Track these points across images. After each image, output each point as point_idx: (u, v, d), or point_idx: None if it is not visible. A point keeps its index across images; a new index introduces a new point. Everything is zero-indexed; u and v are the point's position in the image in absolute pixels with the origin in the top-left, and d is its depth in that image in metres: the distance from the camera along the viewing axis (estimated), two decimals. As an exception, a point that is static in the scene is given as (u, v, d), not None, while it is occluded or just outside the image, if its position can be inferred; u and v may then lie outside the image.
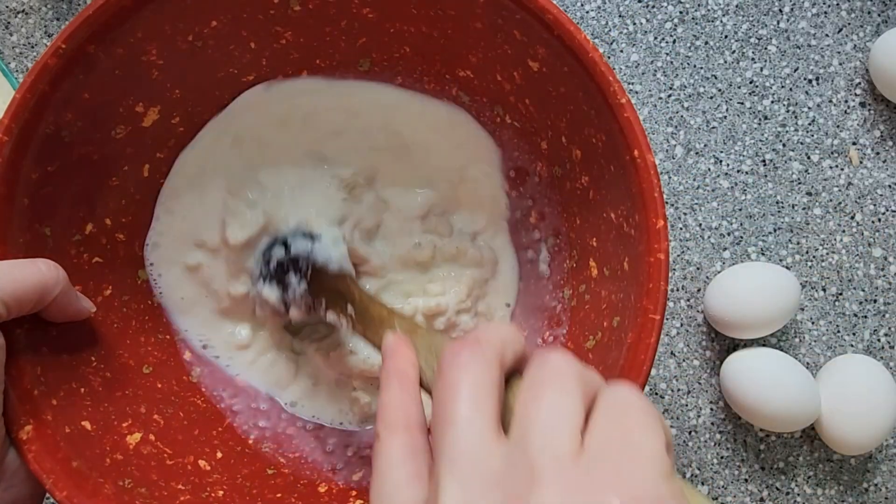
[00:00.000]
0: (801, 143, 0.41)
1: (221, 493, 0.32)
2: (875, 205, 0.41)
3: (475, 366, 0.20)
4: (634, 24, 0.42)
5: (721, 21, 0.42)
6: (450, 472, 0.18)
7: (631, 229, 0.28)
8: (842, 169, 0.41)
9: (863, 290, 0.41)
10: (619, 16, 0.42)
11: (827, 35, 0.42)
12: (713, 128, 0.42)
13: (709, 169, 0.41)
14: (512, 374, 0.21)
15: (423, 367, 0.24)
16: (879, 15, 0.42)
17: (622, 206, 0.29)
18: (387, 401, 0.23)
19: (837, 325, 0.40)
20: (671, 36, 0.42)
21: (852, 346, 0.40)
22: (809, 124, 0.42)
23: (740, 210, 0.41)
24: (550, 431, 0.18)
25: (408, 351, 0.24)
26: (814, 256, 0.41)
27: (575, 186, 0.33)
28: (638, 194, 0.27)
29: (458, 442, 0.19)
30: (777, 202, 0.41)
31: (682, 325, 0.41)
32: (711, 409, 0.40)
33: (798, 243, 0.41)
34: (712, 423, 0.40)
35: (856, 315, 0.41)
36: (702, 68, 0.42)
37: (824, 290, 0.41)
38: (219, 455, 0.33)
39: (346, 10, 0.32)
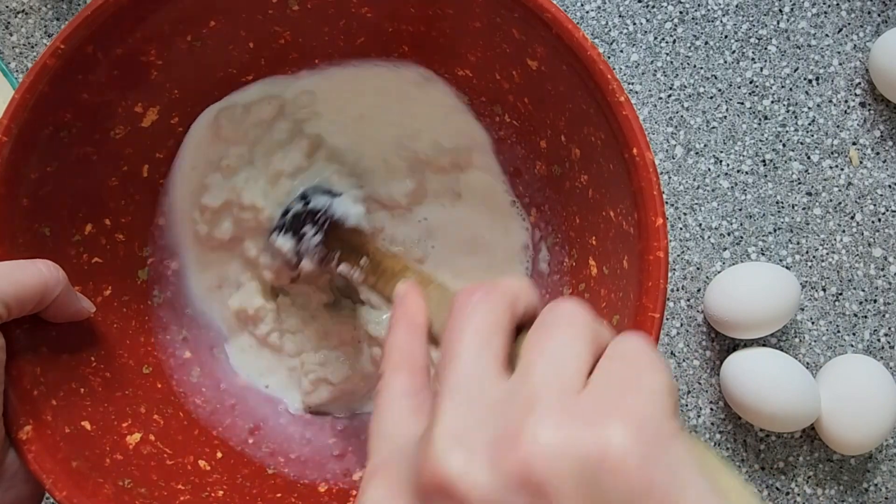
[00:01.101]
0: (801, 143, 0.41)
1: (221, 493, 0.32)
2: (875, 205, 0.41)
3: (486, 306, 0.20)
4: (634, 24, 0.42)
5: (721, 21, 0.42)
6: (450, 398, 0.18)
7: (630, 227, 0.28)
8: (842, 169, 0.41)
9: (863, 290, 0.41)
10: (619, 16, 0.42)
11: (827, 35, 0.42)
12: (713, 128, 0.42)
13: (709, 169, 0.41)
14: (523, 327, 0.21)
15: (433, 318, 0.24)
16: (879, 15, 0.42)
17: (621, 204, 0.29)
18: (393, 342, 0.23)
19: (837, 325, 0.40)
20: (671, 36, 0.42)
21: (852, 346, 0.40)
22: (809, 124, 0.42)
23: (740, 210, 0.41)
24: (555, 366, 0.18)
25: (418, 299, 0.25)
26: (814, 256, 0.41)
27: (574, 185, 0.33)
28: (637, 192, 0.27)
29: (460, 372, 0.19)
30: (777, 202, 0.41)
31: (682, 325, 0.41)
32: (711, 409, 0.40)
33: (798, 243, 0.41)
34: (712, 423, 0.40)
35: (856, 315, 0.40)
36: (702, 68, 0.42)
37: (824, 290, 0.41)
38: (219, 455, 0.33)
39: (344, 9, 0.32)
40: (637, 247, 0.28)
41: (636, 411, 0.16)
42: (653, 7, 0.42)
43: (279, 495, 0.33)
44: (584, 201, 0.33)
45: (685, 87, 0.42)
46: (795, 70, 0.42)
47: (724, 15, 0.42)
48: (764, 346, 0.40)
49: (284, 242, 0.33)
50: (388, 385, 0.22)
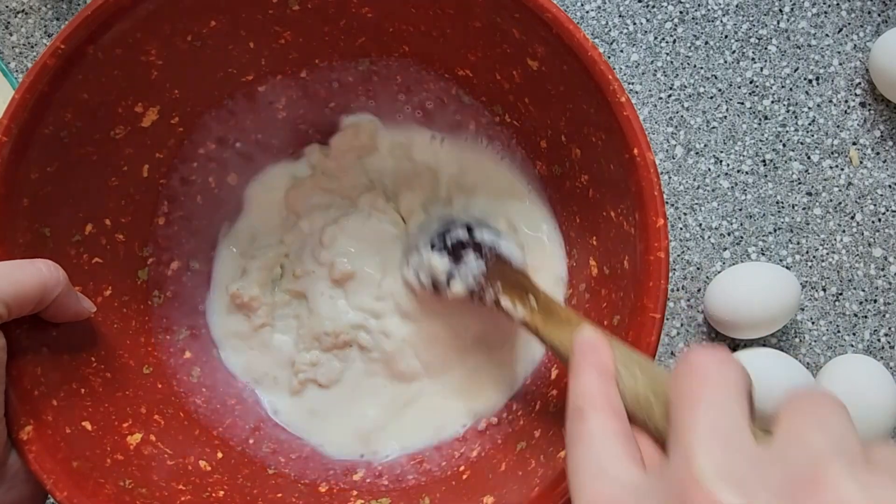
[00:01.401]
0: (802, 143, 0.41)
1: (222, 493, 0.32)
2: (875, 205, 0.41)
3: (734, 370, 0.19)
4: (634, 24, 0.42)
5: (721, 21, 0.42)
6: (705, 440, 0.17)
7: (631, 228, 0.28)
8: (842, 169, 0.41)
9: (863, 291, 0.41)
10: (619, 16, 0.42)
11: (827, 35, 0.42)
12: (713, 128, 0.42)
13: (709, 169, 0.41)
14: None
15: (622, 373, 0.23)
16: (879, 15, 0.42)
17: (622, 204, 0.29)
18: (587, 384, 0.22)
19: (837, 326, 0.40)
20: (671, 36, 0.42)
21: (852, 346, 0.40)
22: (809, 124, 0.42)
23: (740, 210, 0.41)
24: (836, 437, 0.17)
25: (607, 348, 0.24)
26: (814, 256, 0.41)
27: (574, 185, 0.33)
28: (637, 192, 0.27)
29: (712, 419, 0.18)
30: (777, 202, 0.41)
31: (682, 325, 0.41)
32: (711, 409, 0.40)
33: (798, 243, 0.41)
34: (712, 423, 0.40)
35: (856, 315, 0.41)
36: (702, 68, 0.42)
37: (824, 290, 0.41)
38: (219, 455, 0.33)
39: (345, 9, 0.32)
40: (638, 247, 0.28)
41: None
42: (653, 7, 0.42)
43: (280, 495, 0.33)
44: (584, 201, 0.33)
45: (685, 87, 0.42)
46: (795, 70, 0.42)
47: (724, 15, 0.42)
48: (764, 346, 0.40)
49: (440, 262, 0.33)
50: (596, 426, 0.20)
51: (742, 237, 0.41)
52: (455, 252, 0.34)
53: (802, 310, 0.41)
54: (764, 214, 0.41)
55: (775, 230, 0.41)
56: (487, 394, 0.36)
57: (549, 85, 0.31)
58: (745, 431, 0.18)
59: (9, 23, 0.42)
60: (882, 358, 0.40)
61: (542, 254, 0.36)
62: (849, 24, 0.42)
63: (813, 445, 0.17)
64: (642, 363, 0.23)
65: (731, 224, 0.41)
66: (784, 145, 0.41)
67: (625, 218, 0.29)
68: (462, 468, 0.34)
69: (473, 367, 0.36)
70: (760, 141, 0.41)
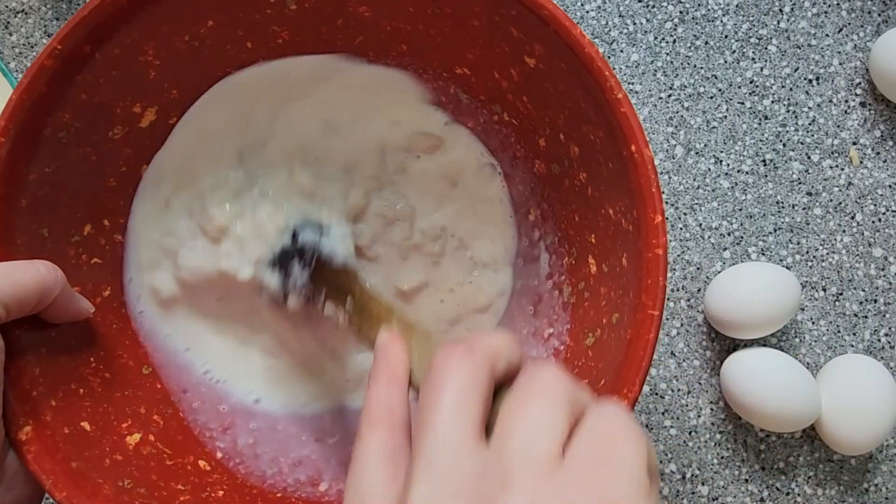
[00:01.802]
0: (802, 143, 0.41)
1: (221, 493, 0.32)
2: (875, 205, 0.41)
3: (464, 369, 0.20)
4: (634, 23, 0.42)
5: (721, 21, 0.42)
6: (422, 471, 0.18)
7: (629, 225, 0.28)
8: (842, 169, 0.41)
9: (863, 290, 0.41)
10: (619, 16, 0.42)
11: (827, 35, 0.42)
12: (713, 128, 0.42)
13: (709, 169, 0.41)
14: (502, 385, 0.21)
15: (415, 368, 0.24)
16: (879, 15, 0.42)
17: (620, 202, 0.29)
18: (373, 398, 0.23)
19: (837, 325, 0.40)
20: (671, 36, 0.42)
21: (852, 346, 0.40)
22: (810, 124, 0.42)
23: (740, 210, 0.41)
24: (530, 439, 0.18)
25: (400, 350, 0.24)
26: (814, 256, 0.41)
27: (573, 183, 0.33)
28: (636, 190, 0.27)
29: (434, 442, 0.18)
30: (777, 202, 0.41)
31: (682, 325, 0.41)
32: (711, 409, 0.40)
33: (798, 243, 0.41)
34: (712, 423, 0.40)
35: (856, 315, 0.40)
36: (702, 68, 0.42)
37: (824, 290, 0.41)
38: (219, 455, 0.34)
39: (342, 8, 0.32)
40: (636, 244, 0.28)
41: (609, 493, 0.17)
42: (653, 7, 0.42)
43: (279, 495, 0.33)
44: (583, 199, 0.33)
45: (685, 86, 0.42)
46: (796, 70, 0.42)
47: (724, 15, 0.42)
48: (764, 346, 0.40)
49: (272, 279, 0.32)
50: (365, 444, 0.21)
51: (742, 237, 0.41)
52: (283, 263, 0.33)
53: (802, 310, 0.40)
54: (764, 214, 0.41)
55: (775, 230, 0.41)
56: None
57: (548, 83, 0.31)
58: (467, 443, 0.18)
59: (9, 23, 0.42)
60: (882, 358, 0.40)
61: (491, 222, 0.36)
62: (849, 24, 0.42)
63: (507, 450, 0.18)
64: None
65: (731, 224, 0.41)
66: (784, 145, 0.41)
67: (623, 215, 0.29)
68: None
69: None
70: (760, 141, 0.41)
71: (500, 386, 0.21)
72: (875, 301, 0.40)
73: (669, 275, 0.40)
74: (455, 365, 0.20)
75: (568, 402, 0.19)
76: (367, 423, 0.22)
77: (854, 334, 0.40)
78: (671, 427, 0.40)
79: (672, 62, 0.42)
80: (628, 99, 0.27)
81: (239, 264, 0.34)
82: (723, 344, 0.40)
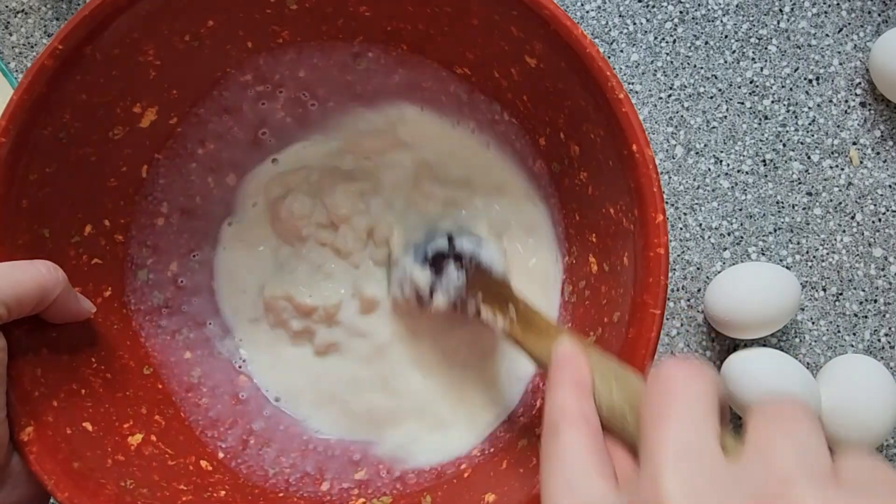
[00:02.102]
0: (802, 143, 0.41)
1: (223, 492, 0.32)
2: (875, 205, 0.41)
3: (700, 383, 0.19)
4: (634, 23, 0.42)
5: (721, 21, 0.42)
6: (673, 459, 0.17)
7: (630, 224, 0.28)
8: (842, 169, 0.41)
9: (863, 291, 0.41)
10: (619, 16, 0.42)
11: (827, 35, 0.42)
12: (713, 128, 0.42)
13: (709, 169, 0.41)
14: None
15: (598, 385, 0.23)
16: (880, 15, 0.42)
17: (621, 201, 0.29)
18: (562, 398, 0.22)
19: (837, 326, 0.40)
20: (671, 36, 0.42)
21: (852, 346, 0.40)
22: (810, 124, 0.42)
23: (740, 210, 0.41)
24: (804, 453, 0.17)
25: (584, 361, 0.24)
26: (814, 256, 0.41)
27: (574, 182, 0.33)
28: (637, 189, 0.27)
29: (682, 437, 0.18)
30: (777, 202, 0.41)
31: (682, 325, 0.41)
32: (711, 409, 0.40)
33: (798, 243, 0.41)
34: (712, 423, 0.40)
35: (856, 315, 0.40)
36: (702, 68, 0.42)
37: (824, 290, 0.41)
38: (220, 455, 0.34)
39: (342, 8, 0.32)
40: (637, 243, 0.28)
41: None
42: (653, 7, 0.42)
43: (281, 495, 0.33)
44: (583, 198, 0.33)
45: (685, 86, 0.42)
46: (796, 70, 0.42)
47: (724, 15, 0.42)
48: (764, 346, 0.40)
49: (422, 275, 0.33)
50: (570, 440, 0.20)
51: (742, 237, 0.41)
52: (436, 264, 0.33)
53: (802, 310, 0.41)
54: (764, 214, 0.41)
55: (775, 230, 0.41)
56: (485, 412, 0.35)
57: (548, 82, 0.31)
58: (713, 448, 0.18)
59: (9, 23, 0.42)
60: (882, 358, 0.40)
61: (536, 254, 0.36)
62: (849, 23, 0.42)
63: (778, 462, 0.17)
64: (619, 374, 0.23)
65: (731, 224, 0.41)
66: (784, 145, 0.41)
67: (624, 214, 0.29)
68: (463, 466, 0.34)
69: (465, 387, 0.36)
70: (760, 141, 0.41)
71: None
72: (875, 301, 0.40)
73: (669, 275, 0.40)
74: (691, 377, 0.19)
75: (817, 447, 0.18)
76: (564, 419, 0.21)
77: (854, 334, 0.40)
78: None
79: (672, 62, 0.42)
80: (629, 98, 0.27)
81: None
82: (723, 344, 0.40)
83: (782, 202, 0.41)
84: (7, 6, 0.42)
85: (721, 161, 0.41)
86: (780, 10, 0.42)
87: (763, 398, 0.20)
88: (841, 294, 0.41)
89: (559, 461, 0.20)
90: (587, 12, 0.42)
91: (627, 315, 0.28)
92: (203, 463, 0.33)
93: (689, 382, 0.19)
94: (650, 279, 0.27)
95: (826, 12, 0.42)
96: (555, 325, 0.29)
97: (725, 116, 0.42)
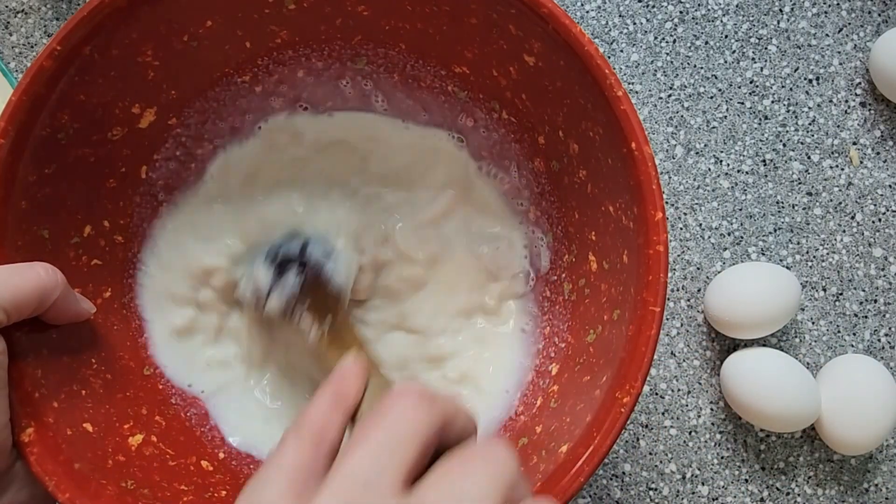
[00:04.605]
0: (802, 143, 0.41)
1: (224, 492, 0.32)
2: (875, 205, 0.41)
3: (417, 412, 0.19)
4: (634, 23, 0.42)
5: (721, 21, 0.42)
6: (331, 491, 0.17)
7: (630, 222, 0.28)
8: (842, 169, 0.41)
9: (863, 290, 0.41)
10: (620, 16, 0.42)
11: (827, 35, 0.42)
12: (713, 128, 0.42)
13: (709, 169, 0.41)
14: (442, 452, 0.20)
15: (363, 406, 0.23)
16: (880, 15, 0.42)
17: (620, 198, 0.29)
18: (312, 410, 0.21)
19: (838, 325, 0.40)
20: (671, 36, 0.42)
21: (852, 346, 0.40)
22: (810, 124, 0.42)
23: (740, 210, 0.41)
24: (463, 501, 0.17)
25: (359, 378, 0.23)
26: (814, 256, 0.41)
27: (573, 181, 0.33)
28: (636, 186, 0.27)
29: (356, 468, 0.17)
30: (777, 202, 0.41)
31: (682, 325, 0.41)
32: (711, 409, 0.40)
33: (798, 243, 0.41)
34: (712, 423, 0.40)
35: (856, 315, 0.40)
36: (702, 68, 0.42)
37: (824, 290, 0.41)
38: (221, 455, 0.34)
39: (340, 7, 0.32)
40: (637, 241, 0.28)
41: None
42: (653, 7, 0.42)
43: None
44: (582, 196, 0.33)
45: (685, 86, 0.42)
46: (796, 70, 0.42)
47: (724, 15, 0.42)
48: (764, 346, 0.40)
49: (264, 275, 0.33)
50: (284, 452, 0.20)
51: (742, 237, 0.41)
52: (281, 267, 0.33)
53: (802, 310, 0.40)
54: (764, 214, 0.41)
55: (775, 230, 0.41)
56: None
57: (546, 80, 0.31)
58: (388, 483, 0.17)
59: (9, 23, 0.42)
60: (882, 358, 0.40)
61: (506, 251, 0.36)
62: (849, 23, 0.42)
63: (459, 488, 0.17)
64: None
65: (731, 224, 0.41)
66: (784, 145, 0.41)
67: (623, 212, 0.29)
68: None
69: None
70: (760, 141, 0.41)
71: (441, 452, 0.20)
72: (875, 301, 0.40)
73: (669, 275, 0.40)
74: (410, 404, 0.19)
75: (510, 486, 0.18)
76: (295, 430, 0.20)
77: (854, 334, 0.40)
78: (671, 427, 0.40)
79: (672, 62, 0.42)
80: (628, 96, 0.27)
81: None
82: (723, 344, 0.40)
83: (782, 202, 0.41)
84: (7, 6, 0.42)
85: (721, 161, 0.41)
86: (780, 10, 0.42)
87: (478, 439, 0.20)
88: (841, 294, 0.41)
89: (262, 474, 0.19)
90: (587, 12, 0.42)
91: (628, 313, 0.28)
92: (204, 463, 0.33)
93: (411, 409, 0.19)
94: (650, 277, 0.27)
95: (826, 12, 0.42)
96: (360, 344, 0.29)
97: (725, 116, 0.42)
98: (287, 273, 0.33)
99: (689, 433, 0.40)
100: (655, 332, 0.27)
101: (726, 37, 0.42)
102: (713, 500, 0.39)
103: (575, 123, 0.31)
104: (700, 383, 0.40)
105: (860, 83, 0.42)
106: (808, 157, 0.41)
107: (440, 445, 0.20)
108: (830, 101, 0.41)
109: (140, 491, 0.29)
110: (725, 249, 0.41)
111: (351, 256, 0.35)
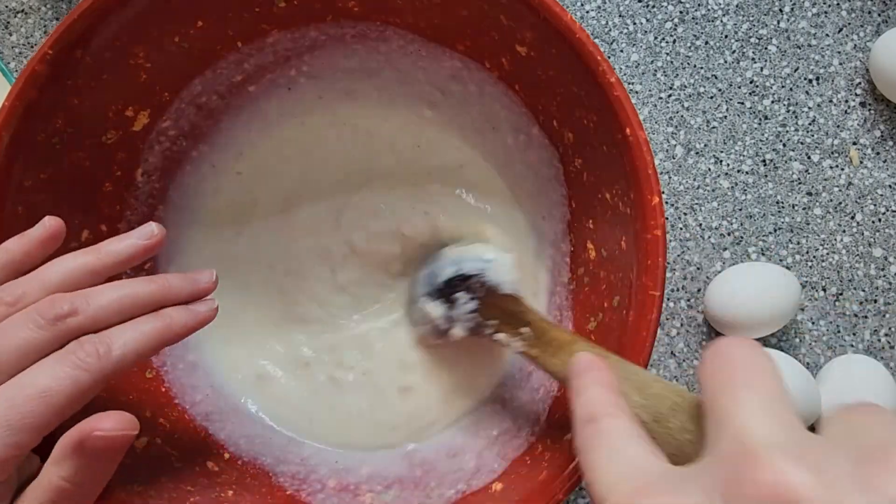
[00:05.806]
0: (802, 143, 0.41)
1: (231, 492, 0.32)
2: (875, 205, 0.41)
3: (771, 369, 0.19)
4: (634, 23, 0.42)
5: (721, 21, 0.42)
6: (757, 415, 0.17)
7: (626, 208, 0.28)
8: (842, 169, 0.41)
9: (863, 291, 0.40)
10: (620, 15, 0.42)
11: (827, 35, 0.42)
12: (713, 128, 0.41)
13: (709, 169, 0.41)
14: None
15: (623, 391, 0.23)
16: (879, 15, 0.42)
17: (616, 185, 0.29)
18: (594, 395, 0.22)
19: (837, 326, 0.40)
20: (671, 36, 0.42)
21: (852, 346, 0.40)
22: (810, 124, 0.41)
23: (740, 210, 0.41)
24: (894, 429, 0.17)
25: (606, 367, 0.23)
26: (814, 256, 0.41)
27: (568, 170, 0.33)
28: (632, 172, 0.27)
29: (758, 396, 0.17)
30: (777, 202, 0.41)
31: (682, 325, 0.41)
32: (710, 410, 0.40)
33: (798, 243, 0.41)
34: (711, 424, 0.40)
35: (856, 315, 0.40)
36: (702, 68, 0.42)
37: (824, 290, 0.40)
38: (226, 456, 0.34)
39: (331, 4, 0.32)
40: (634, 227, 0.28)
41: None
42: (653, 7, 0.42)
43: (289, 493, 0.33)
44: (579, 185, 0.33)
45: (685, 86, 0.42)
46: (796, 70, 0.42)
47: (724, 15, 0.42)
48: (764, 346, 0.40)
49: (435, 309, 0.33)
50: (614, 427, 0.20)
51: (742, 237, 0.41)
52: (445, 293, 0.33)
53: (802, 310, 0.40)
54: (764, 214, 0.41)
55: (775, 230, 0.41)
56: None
57: (539, 70, 0.31)
58: (795, 410, 0.17)
59: (8, 23, 0.42)
60: (882, 358, 0.40)
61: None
62: (849, 23, 0.42)
63: (876, 434, 0.16)
64: (640, 384, 0.23)
65: (731, 224, 0.41)
66: (784, 145, 0.41)
67: (620, 199, 0.29)
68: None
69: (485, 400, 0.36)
70: (760, 141, 0.41)
71: None
72: (875, 301, 0.40)
73: (669, 275, 0.40)
74: (754, 351, 0.19)
75: None
76: (603, 411, 0.21)
77: (854, 334, 0.40)
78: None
79: (672, 62, 0.42)
80: (620, 82, 0.27)
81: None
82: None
83: (782, 202, 0.41)
84: (7, 6, 0.42)
85: (721, 161, 0.41)
86: (780, 10, 0.42)
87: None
88: (841, 294, 0.40)
89: (608, 447, 0.20)
90: (587, 12, 0.42)
91: (627, 298, 0.28)
92: (209, 464, 0.33)
93: (752, 353, 0.19)
94: (648, 261, 0.27)
95: (826, 12, 0.42)
96: (570, 336, 0.29)
97: (725, 116, 0.41)
98: (458, 298, 0.32)
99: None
100: (656, 315, 0.27)
101: (726, 37, 0.42)
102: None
103: (569, 112, 0.31)
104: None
105: (860, 83, 0.41)
106: (808, 157, 0.41)
107: None
108: (830, 101, 0.41)
109: (147, 493, 0.29)
110: (725, 249, 0.41)
111: (506, 256, 0.34)
